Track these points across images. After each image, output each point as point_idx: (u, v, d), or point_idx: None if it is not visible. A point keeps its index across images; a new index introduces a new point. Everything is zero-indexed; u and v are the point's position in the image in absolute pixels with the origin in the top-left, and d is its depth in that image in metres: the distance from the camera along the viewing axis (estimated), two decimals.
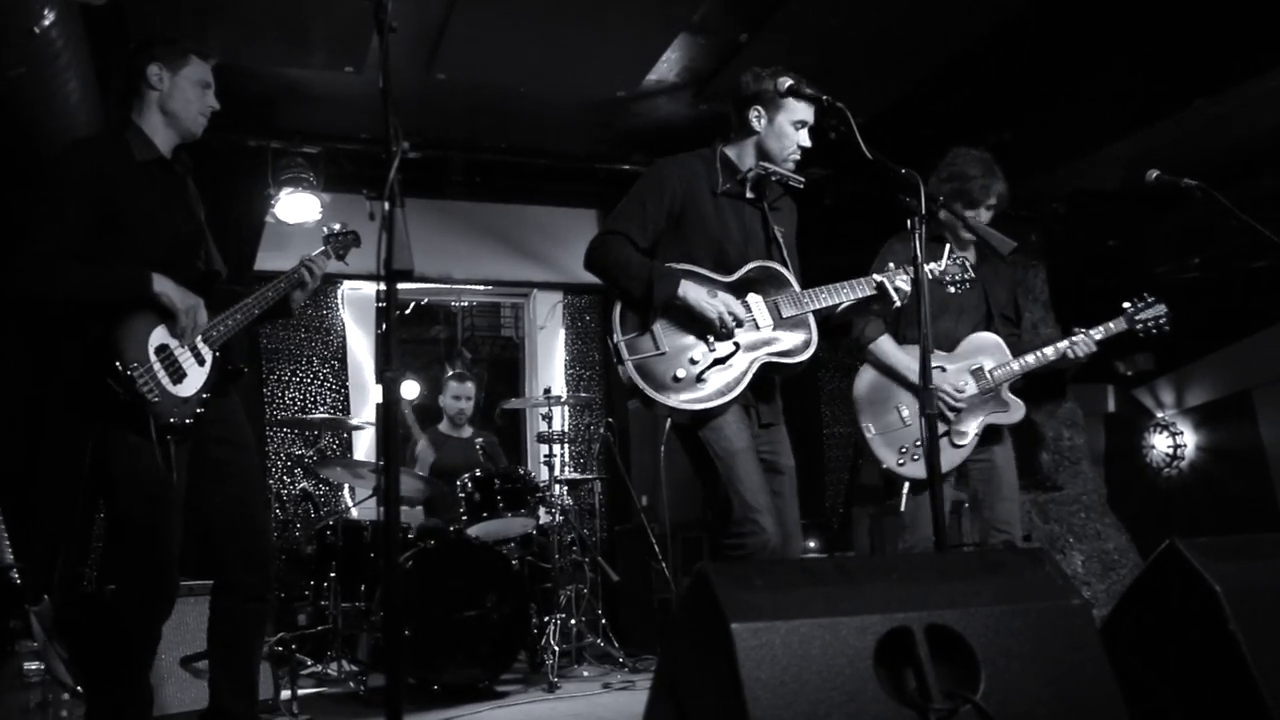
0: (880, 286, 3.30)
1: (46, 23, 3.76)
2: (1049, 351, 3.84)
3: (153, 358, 2.93)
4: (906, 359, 3.76)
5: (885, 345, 3.80)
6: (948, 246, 3.72)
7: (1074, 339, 3.84)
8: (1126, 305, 3.93)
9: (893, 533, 6.14)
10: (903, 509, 3.74)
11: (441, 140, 6.53)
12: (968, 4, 5.02)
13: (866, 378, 3.83)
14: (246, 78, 5.39)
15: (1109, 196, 6.16)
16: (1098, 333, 3.86)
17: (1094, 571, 6.24)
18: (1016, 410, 3.85)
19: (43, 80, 4.10)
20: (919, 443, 3.68)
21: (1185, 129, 5.34)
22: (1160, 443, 7.37)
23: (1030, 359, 3.83)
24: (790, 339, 3.24)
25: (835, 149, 3.37)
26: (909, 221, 2.89)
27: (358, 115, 5.97)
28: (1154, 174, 3.66)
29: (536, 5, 4.94)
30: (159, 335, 2.97)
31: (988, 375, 3.81)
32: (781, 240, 3.39)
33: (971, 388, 3.78)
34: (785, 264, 3.35)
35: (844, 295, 3.30)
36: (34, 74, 4.01)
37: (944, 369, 3.80)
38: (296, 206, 6.29)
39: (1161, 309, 3.90)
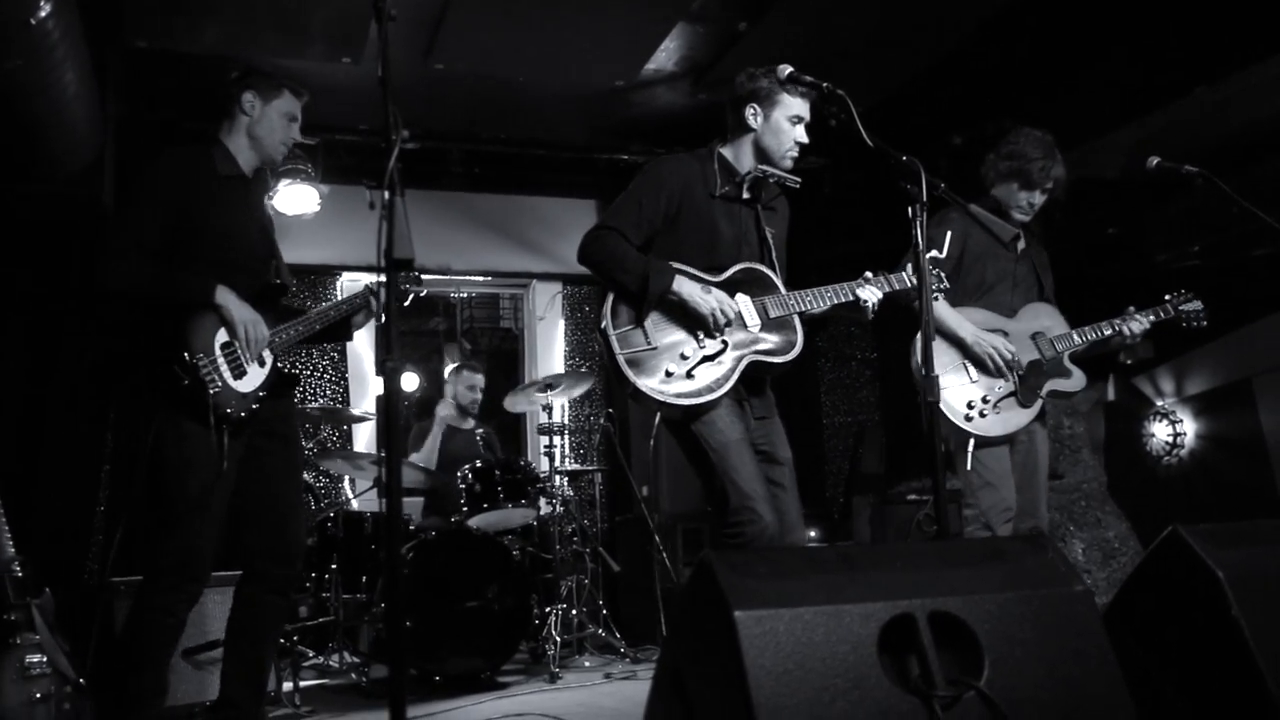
0: (856, 297, 3.34)
1: (43, 14, 3.74)
2: (1104, 327, 3.90)
3: (218, 351, 3.14)
4: (958, 317, 3.78)
5: (940, 307, 3.78)
6: (949, 234, 3.74)
7: (1127, 315, 3.90)
8: (1169, 297, 4.01)
9: (894, 522, 6.14)
10: (968, 466, 3.72)
11: (440, 131, 6.52)
12: None
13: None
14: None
15: (1109, 185, 6.14)
16: (1149, 315, 3.93)
17: (1094, 559, 6.24)
18: (1079, 378, 3.90)
19: (40, 72, 4.08)
20: (987, 398, 3.73)
21: (1186, 117, 5.32)
22: (1160, 431, 7.36)
23: (1089, 331, 3.89)
24: (776, 339, 3.28)
25: (835, 137, 3.37)
26: (910, 209, 2.88)
27: (356, 106, 5.94)
28: (1155, 161, 3.67)
29: None
30: (226, 332, 3.18)
31: (1050, 340, 3.86)
32: (772, 242, 3.42)
33: (1029, 353, 3.82)
34: (774, 266, 3.38)
35: (828, 299, 3.33)
36: (30, 66, 3.99)
37: (1006, 333, 3.83)
38: (295, 198, 6.27)
39: (1199, 304, 4.00)
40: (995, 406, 3.73)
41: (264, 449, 3.29)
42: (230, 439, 3.13)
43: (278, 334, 3.32)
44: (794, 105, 3.34)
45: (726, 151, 3.42)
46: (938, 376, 2.87)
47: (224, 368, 3.14)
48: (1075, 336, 3.89)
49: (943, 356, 3.74)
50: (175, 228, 3.16)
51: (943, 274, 3.56)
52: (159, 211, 3.16)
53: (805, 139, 3.38)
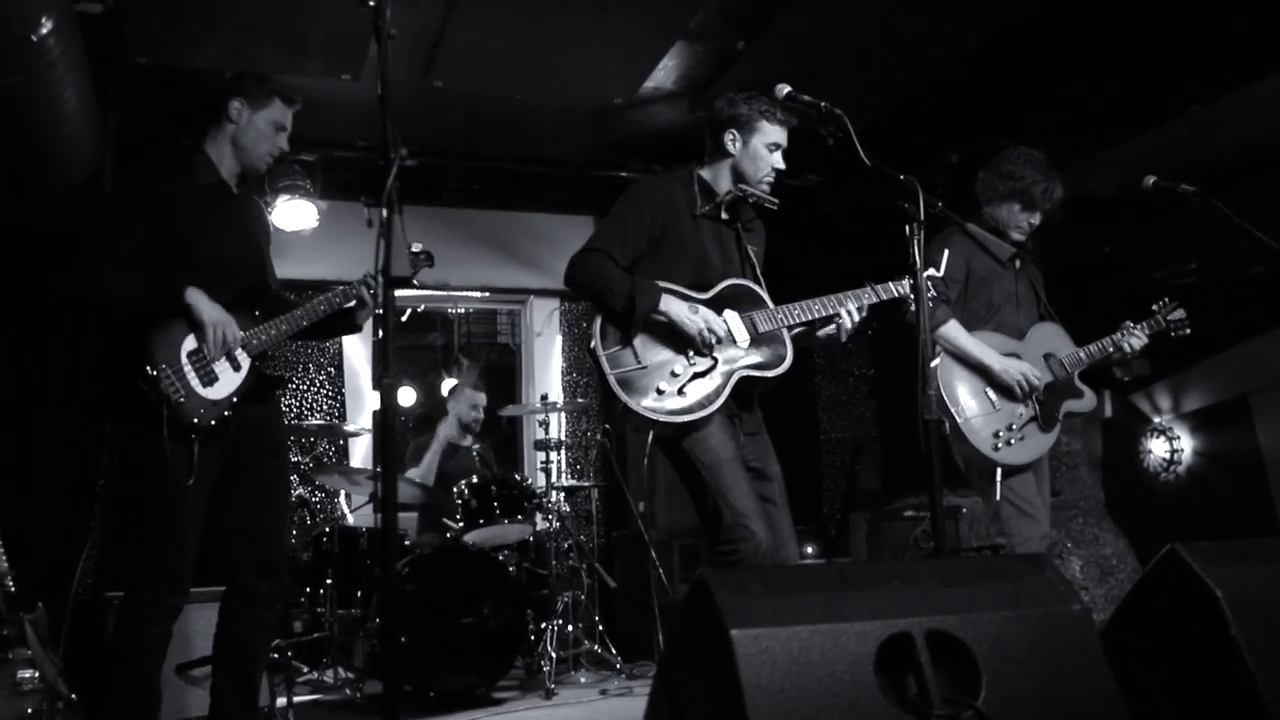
0: (848, 307, 3.31)
1: (44, 31, 3.76)
2: (1106, 343, 3.92)
3: (184, 360, 3.07)
4: (980, 344, 3.77)
5: (954, 331, 3.76)
6: (947, 253, 3.74)
7: (1126, 331, 3.92)
8: (1155, 307, 4.04)
9: (891, 538, 6.13)
10: (997, 498, 3.70)
11: (438, 148, 6.53)
12: (964, 11, 5.03)
13: (945, 365, 3.77)
14: None
15: (1105, 203, 6.16)
16: (1144, 329, 3.95)
17: (1092, 576, 6.22)
18: (1090, 398, 3.91)
19: (39, 88, 4.09)
20: (1012, 426, 3.72)
21: (1181, 135, 5.34)
22: (1157, 448, 7.35)
23: (1094, 349, 3.91)
24: (766, 353, 3.28)
25: (832, 155, 3.38)
26: (908, 227, 2.88)
27: (355, 122, 5.96)
28: (1152, 180, 3.68)
29: (534, 13, 4.93)
30: (194, 339, 3.10)
31: (1061, 361, 3.87)
32: (755, 260, 3.43)
33: (1046, 376, 3.82)
34: (758, 282, 3.40)
35: (815, 311, 3.33)
36: (31, 82, 4.00)
37: (1019, 356, 3.82)
38: (294, 214, 6.28)
39: (1182, 312, 4.04)
40: (1020, 432, 3.72)
41: (253, 464, 3.23)
42: (202, 448, 3.05)
43: (257, 334, 3.20)
44: (773, 133, 3.36)
45: (705, 173, 3.45)
46: (935, 394, 2.87)
47: (191, 376, 3.05)
48: (1082, 355, 3.89)
49: (965, 384, 3.74)
50: (153, 239, 3.11)
51: (936, 288, 3.52)
52: (133, 221, 3.10)
53: (782, 165, 3.40)
